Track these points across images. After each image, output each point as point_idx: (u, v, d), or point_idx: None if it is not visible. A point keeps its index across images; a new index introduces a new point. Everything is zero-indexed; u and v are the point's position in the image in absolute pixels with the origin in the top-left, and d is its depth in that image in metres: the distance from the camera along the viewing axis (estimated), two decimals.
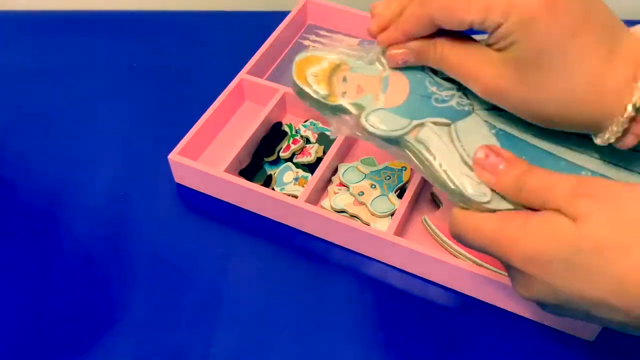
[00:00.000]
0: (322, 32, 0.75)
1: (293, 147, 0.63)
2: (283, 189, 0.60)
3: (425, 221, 0.57)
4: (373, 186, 0.59)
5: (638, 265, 0.32)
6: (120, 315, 0.54)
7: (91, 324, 0.53)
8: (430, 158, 0.41)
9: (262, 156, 0.63)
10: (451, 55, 0.41)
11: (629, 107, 0.35)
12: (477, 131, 0.42)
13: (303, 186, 0.60)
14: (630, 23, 0.39)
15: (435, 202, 0.59)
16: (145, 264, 0.57)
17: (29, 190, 0.63)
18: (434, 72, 0.44)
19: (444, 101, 0.43)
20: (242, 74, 0.67)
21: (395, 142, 0.43)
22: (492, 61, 0.39)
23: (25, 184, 0.63)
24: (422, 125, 0.42)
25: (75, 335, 0.53)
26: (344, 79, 0.44)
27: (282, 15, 0.72)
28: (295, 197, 0.58)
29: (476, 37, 0.41)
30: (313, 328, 0.52)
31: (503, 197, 0.39)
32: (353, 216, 0.58)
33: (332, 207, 0.58)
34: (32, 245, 0.58)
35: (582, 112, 0.37)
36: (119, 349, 0.52)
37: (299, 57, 0.45)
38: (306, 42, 0.74)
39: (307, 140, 0.64)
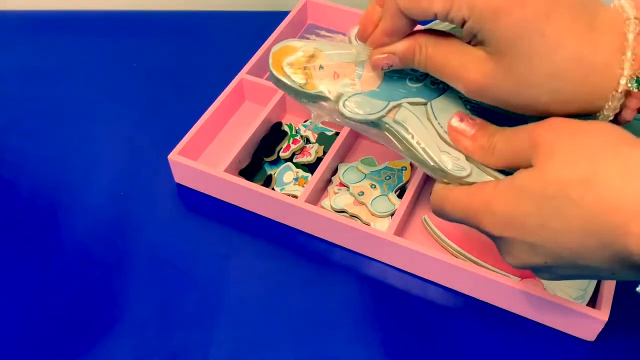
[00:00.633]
0: (322, 32, 0.75)
1: (293, 147, 0.63)
2: (283, 189, 0.60)
3: (425, 221, 0.57)
4: (373, 186, 0.59)
5: (601, 197, 0.32)
6: (120, 316, 0.54)
7: (91, 324, 0.53)
8: (409, 137, 0.42)
9: (262, 156, 0.63)
10: (435, 56, 0.40)
11: (622, 81, 0.35)
12: (453, 108, 0.43)
13: (303, 186, 0.60)
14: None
15: None
16: (145, 264, 0.57)
17: (28, 190, 0.63)
18: None
19: (418, 80, 0.44)
20: (242, 74, 0.66)
21: (374, 124, 0.44)
22: (476, 59, 0.38)
23: (24, 184, 0.63)
24: (399, 106, 0.43)
25: (75, 336, 0.53)
26: (320, 67, 0.45)
27: (282, 15, 0.72)
28: (295, 197, 0.58)
29: None
30: (313, 328, 0.52)
31: (482, 170, 0.40)
32: (353, 216, 0.58)
33: (332, 207, 0.58)
34: (32, 245, 0.58)
35: (574, 94, 0.36)
36: (119, 349, 0.52)
37: (275, 48, 0.46)
38: None
39: (307, 140, 0.64)
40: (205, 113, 0.63)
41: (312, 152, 0.62)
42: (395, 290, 0.55)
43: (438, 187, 0.42)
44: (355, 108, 0.43)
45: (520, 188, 0.35)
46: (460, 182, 0.41)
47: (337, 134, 0.64)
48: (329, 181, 0.61)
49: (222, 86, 0.66)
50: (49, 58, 0.75)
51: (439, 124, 0.42)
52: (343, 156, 0.63)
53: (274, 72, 0.45)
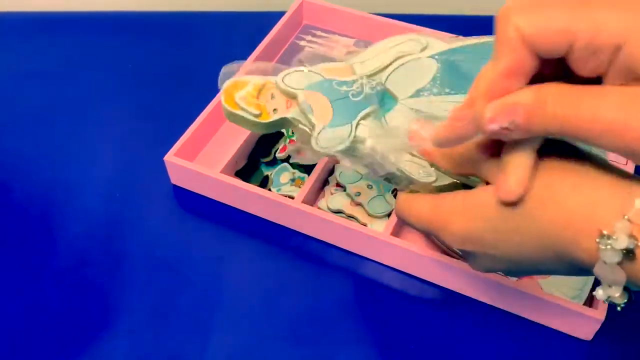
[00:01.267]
0: (318, 33, 0.75)
1: (289, 147, 0.63)
2: (279, 189, 0.60)
3: None
4: (370, 187, 0.59)
5: (554, 214, 0.32)
6: (116, 317, 0.53)
7: (87, 326, 0.53)
8: (373, 153, 0.43)
9: (258, 157, 0.63)
10: (573, 109, 0.29)
11: None
12: (406, 119, 0.44)
13: (300, 187, 0.60)
14: None
15: None
16: (141, 266, 0.57)
17: (24, 191, 0.63)
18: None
19: (359, 93, 0.46)
20: (239, 74, 0.66)
21: (350, 150, 0.44)
22: (632, 101, 0.28)
23: (20, 185, 0.63)
24: (357, 125, 0.44)
25: (70, 338, 0.52)
26: (272, 96, 0.46)
27: (278, 15, 0.72)
28: (292, 198, 0.58)
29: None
30: (310, 329, 0.52)
31: (446, 174, 0.41)
32: (350, 217, 0.58)
33: (328, 208, 0.58)
34: (27, 247, 0.58)
35: None
36: (115, 352, 0.52)
37: (226, 84, 0.47)
38: (302, 43, 0.74)
39: None
40: (202, 114, 0.63)
41: None
42: (392, 291, 0.55)
43: (402, 197, 0.42)
44: (329, 142, 0.44)
45: (479, 205, 0.36)
46: (428, 187, 0.42)
47: None
48: (326, 182, 0.61)
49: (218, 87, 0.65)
50: (44, 59, 0.75)
51: (397, 133, 0.43)
52: None
53: (228, 107, 0.46)
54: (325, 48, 0.72)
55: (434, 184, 0.42)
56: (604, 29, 0.28)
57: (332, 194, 0.60)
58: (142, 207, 0.61)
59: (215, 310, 0.53)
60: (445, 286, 0.54)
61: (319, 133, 0.44)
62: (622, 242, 0.29)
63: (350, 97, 0.45)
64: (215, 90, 0.65)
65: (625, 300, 0.32)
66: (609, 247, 0.30)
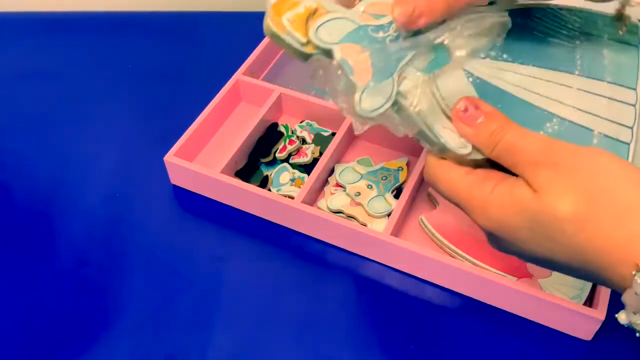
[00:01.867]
0: None
1: (289, 147, 0.63)
2: (279, 189, 0.60)
3: (422, 221, 0.57)
4: (369, 186, 0.59)
5: (593, 236, 0.34)
6: (116, 318, 0.53)
7: (87, 326, 0.53)
8: (411, 110, 0.40)
9: (258, 157, 0.63)
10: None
11: None
12: (456, 81, 0.41)
13: (299, 187, 0.60)
14: None
15: (432, 202, 0.59)
16: (141, 266, 0.57)
17: (23, 192, 0.63)
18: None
19: (398, 38, 0.41)
20: (238, 75, 0.66)
21: (395, 109, 0.40)
22: None
23: (19, 185, 0.63)
24: (400, 76, 0.40)
25: (70, 338, 0.52)
26: None
27: None
28: (292, 198, 0.58)
29: None
30: (310, 329, 0.52)
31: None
32: (350, 217, 0.58)
33: (328, 208, 0.58)
34: (27, 247, 0.58)
35: None
36: (115, 352, 0.51)
37: (273, 0, 0.41)
38: None
39: (304, 141, 0.64)
40: (201, 114, 0.63)
41: (309, 152, 0.62)
42: (392, 291, 0.55)
43: (434, 162, 0.40)
44: (372, 104, 0.39)
45: (518, 202, 0.36)
46: (459, 159, 0.39)
47: (334, 134, 0.64)
48: (326, 182, 0.61)
49: (218, 87, 0.65)
50: (44, 59, 0.75)
51: (441, 96, 0.40)
52: (339, 157, 0.63)
53: (272, 27, 0.40)
54: None
55: (467, 157, 0.39)
56: None
57: (332, 194, 0.60)
58: (142, 207, 0.61)
59: (215, 310, 0.53)
60: (445, 286, 0.54)
61: (361, 95, 0.39)
62: None
63: (388, 43, 0.40)
64: (214, 90, 0.65)
65: None
66: None
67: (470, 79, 0.42)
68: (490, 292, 0.52)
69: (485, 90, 0.41)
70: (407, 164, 0.61)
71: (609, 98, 0.43)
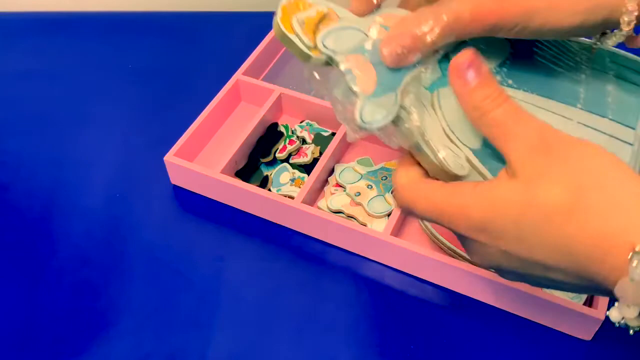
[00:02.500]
0: None
1: (289, 147, 0.63)
2: (279, 189, 0.60)
3: (422, 221, 0.57)
4: (369, 186, 0.59)
5: (582, 227, 0.32)
6: (116, 317, 0.53)
7: (88, 326, 0.53)
8: (413, 125, 0.39)
9: (258, 157, 0.63)
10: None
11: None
12: (457, 103, 0.39)
13: (299, 187, 0.60)
14: None
15: None
16: (142, 266, 0.57)
17: (24, 192, 0.63)
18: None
19: None
20: (238, 75, 0.66)
21: (395, 123, 0.40)
22: None
23: (20, 186, 0.63)
24: (404, 91, 0.39)
25: (70, 338, 0.52)
26: None
27: None
28: (292, 198, 0.58)
29: None
30: (310, 329, 0.52)
31: (480, 174, 0.38)
32: (350, 217, 0.58)
33: (328, 208, 0.58)
34: (27, 247, 0.58)
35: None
36: (115, 351, 0.52)
37: (285, 0, 0.41)
38: None
39: (304, 141, 0.64)
40: (201, 114, 0.63)
41: (309, 152, 0.62)
42: (392, 290, 0.55)
43: (404, 182, 0.39)
44: (373, 115, 0.39)
45: (502, 199, 0.35)
46: (449, 176, 0.39)
47: (334, 134, 0.64)
48: (326, 182, 0.61)
49: (218, 87, 0.65)
50: (44, 59, 0.75)
51: (442, 114, 0.39)
52: (339, 157, 0.63)
53: (281, 27, 0.40)
54: None
55: (463, 178, 0.38)
56: None
57: (332, 194, 0.60)
58: (142, 207, 0.61)
59: (214, 310, 0.53)
60: (445, 286, 0.54)
61: (362, 106, 0.39)
62: None
63: None
64: (215, 91, 0.65)
65: None
66: None
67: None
68: (490, 292, 0.52)
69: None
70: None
71: (609, 135, 0.42)
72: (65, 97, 0.71)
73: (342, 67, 0.40)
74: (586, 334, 0.51)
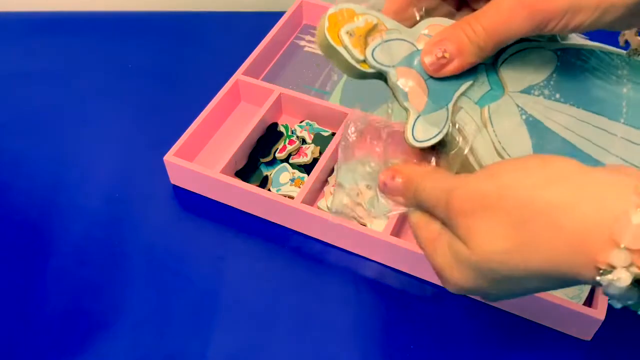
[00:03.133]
0: None
1: (289, 147, 0.62)
2: (279, 189, 0.60)
3: None
4: (369, 187, 0.59)
5: (531, 264, 0.30)
6: (116, 317, 0.53)
7: (86, 326, 0.53)
8: (463, 144, 0.38)
9: (258, 157, 0.63)
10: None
11: None
12: (509, 116, 0.39)
13: (299, 187, 0.60)
14: None
15: None
16: (141, 266, 0.57)
17: (23, 192, 0.63)
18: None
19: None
20: (238, 75, 0.66)
21: (446, 141, 0.39)
22: None
23: (19, 186, 0.63)
24: (455, 106, 0.38)
25: (70, 338, 0.52)
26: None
27: (278, 15, 0.72)
28: (292, 198, 0.58)
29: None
30: (310, 329, 0.52)
31: None
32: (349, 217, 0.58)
33: (328, 208, 0.58)
34: (27, 247, 0.58)
35: None
36: (115, 351, 0.52)
37: (333, 10, 0.38)
38: (302, 43, 0.74)
39: (303, 141, 0.64)
40: (201, 114, 0.63)
41: (309, 152, 0.62)
42: (392, 290, 0.55)
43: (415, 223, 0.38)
44: (425, 132, 0.38)
45: (455, 257, 0.34)
46: None
47: (334, 134, 0.64)
48: (326, 182, 0.61)
49: (218, 87, 0.65)
50: (44, 59, 0.75)
51: (494, 132, 0.38)
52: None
53: (329, 38, 0.37)
54: None
55: None
56: None
57: (332, 194, 0.60)
58: (142, 207, 0.61)
59: (214, 310, 0.53)
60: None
61: (414, 123, 0.37)
62: (625, 279, 0.26)
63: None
64: (214, 90, 0.65)
65: None
66: (612, 282, 0.27)
67: (524, 117, 0.40)
68: None
69: (537, 130, 0.39)
70: None
71: None
72: (65, 97, 0.71)
73: (393, 80, 0.38)
74: (586, 334, 0.51)
